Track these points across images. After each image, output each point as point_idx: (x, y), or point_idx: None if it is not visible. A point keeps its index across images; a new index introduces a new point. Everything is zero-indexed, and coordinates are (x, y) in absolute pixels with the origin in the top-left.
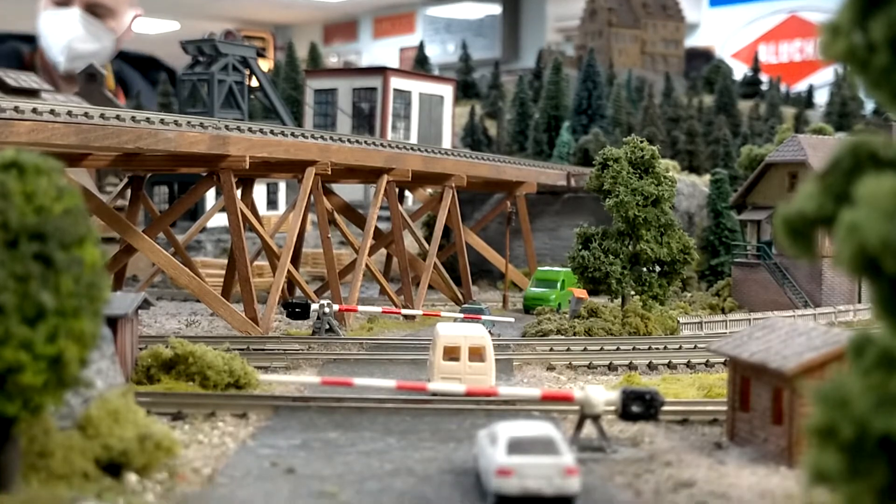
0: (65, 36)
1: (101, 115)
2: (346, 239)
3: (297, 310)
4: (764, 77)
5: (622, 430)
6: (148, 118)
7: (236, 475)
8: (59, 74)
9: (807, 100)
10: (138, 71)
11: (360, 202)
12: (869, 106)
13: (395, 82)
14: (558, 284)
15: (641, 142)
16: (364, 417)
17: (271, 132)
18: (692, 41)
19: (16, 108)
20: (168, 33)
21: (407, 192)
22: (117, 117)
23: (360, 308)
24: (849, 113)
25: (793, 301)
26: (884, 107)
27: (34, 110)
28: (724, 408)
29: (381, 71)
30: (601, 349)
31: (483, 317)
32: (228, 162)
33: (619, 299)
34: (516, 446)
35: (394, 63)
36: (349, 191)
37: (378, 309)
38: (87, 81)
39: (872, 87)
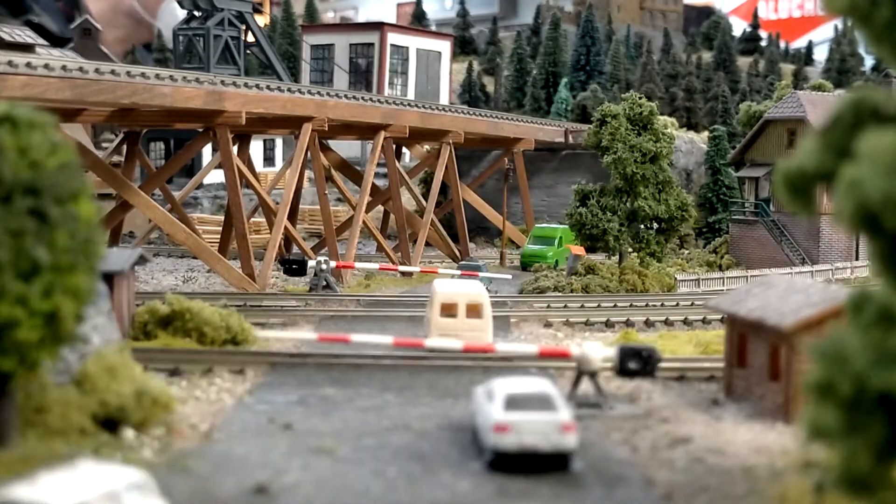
0: None
1: (97, 70)
2: (343, 195)
3: (294, 266)
4: (763, 33)
5: (619, 386)
6: (143, 73)
7: (233, 431)
8: None
9: (806, 56)
10: None
11: (357, 159)
12: (868, 62)
13: (393, 38)
14: (555, 241)
15: (640, 98)
16: (361, 374)
17: (267, 87)
18: None
19: (10, 63)
20: None
21: (404, 149)
22: (112, 72)
23: (357, 265)
24: (848, 69)
25: (790, 258)
26: (885, 62)
27: (28, 65)
28: (721, 364)
29: (379, 26)
30: (598, 306)
31: (480, 273)
32: (224, 117)
33: (617, 256)
34: (513, 402)
35: (391, 18)
36: (346, 147)
37: (375, 266)
38: (82, 36)
39: (874, 42)
